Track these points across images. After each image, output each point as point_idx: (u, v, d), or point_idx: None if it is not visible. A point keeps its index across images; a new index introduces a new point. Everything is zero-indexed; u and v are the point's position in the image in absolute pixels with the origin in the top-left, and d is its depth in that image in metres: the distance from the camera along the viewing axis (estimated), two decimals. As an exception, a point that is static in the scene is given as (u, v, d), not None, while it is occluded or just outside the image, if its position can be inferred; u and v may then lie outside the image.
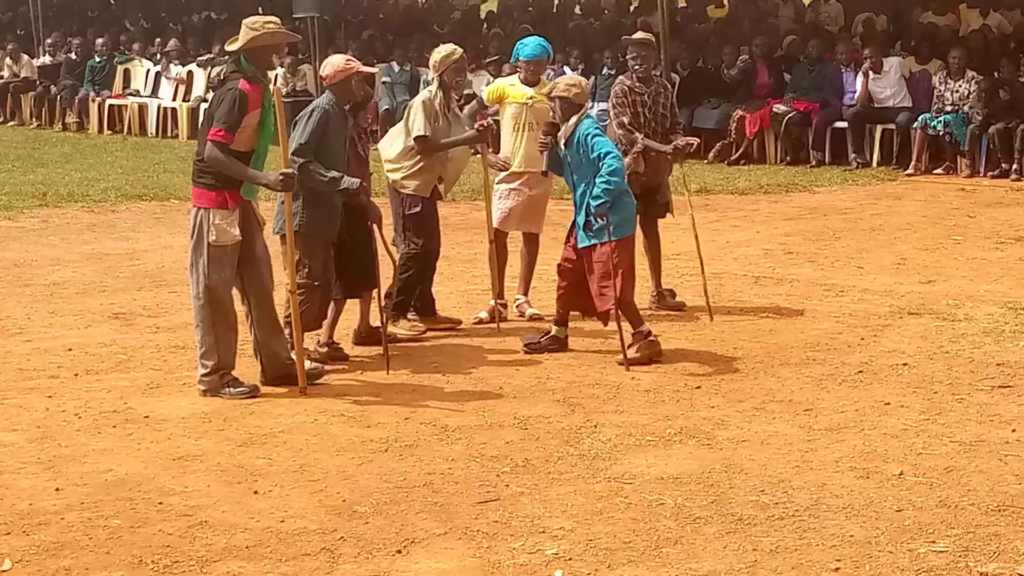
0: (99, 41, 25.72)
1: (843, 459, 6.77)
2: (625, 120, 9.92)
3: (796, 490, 6.32)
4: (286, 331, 8.35)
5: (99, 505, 6.23)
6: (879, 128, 18.17)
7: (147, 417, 7.61)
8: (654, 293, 10.21)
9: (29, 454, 6.98)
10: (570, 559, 5.58)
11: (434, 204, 9.45)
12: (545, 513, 6.09)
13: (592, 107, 11.69)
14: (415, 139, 9.24)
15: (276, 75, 8.66)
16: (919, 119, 17.47)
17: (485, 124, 9.45)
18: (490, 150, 10.22)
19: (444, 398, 7.97)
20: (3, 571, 5.58)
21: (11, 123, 25.80)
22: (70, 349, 9.12)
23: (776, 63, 19.75)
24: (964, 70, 17.40)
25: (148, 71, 24.67)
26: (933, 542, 5.70)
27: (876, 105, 18.17)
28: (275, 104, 7.86)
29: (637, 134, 9.86)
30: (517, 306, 10.05)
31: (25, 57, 26.35)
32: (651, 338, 8.75)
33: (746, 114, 18.83)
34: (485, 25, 25.46)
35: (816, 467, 6.67)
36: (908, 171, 17.41)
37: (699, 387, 8.15)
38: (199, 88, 23.53)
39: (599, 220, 8.58)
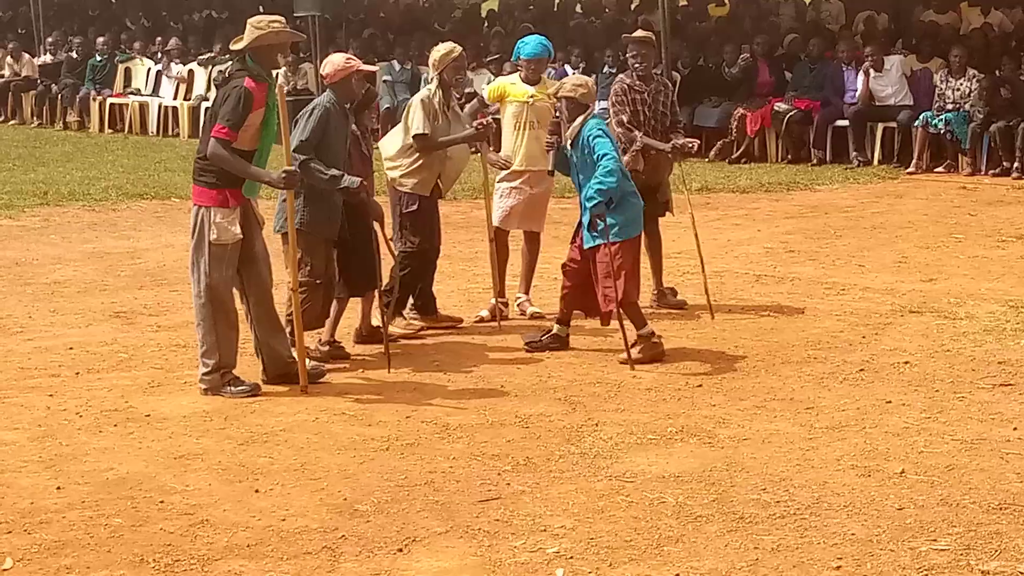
0: (100, 40, 25.72)
1: (844, 457, 6.77)
2: (624, 118, 9.92)
3: (797, 488, 6.32)
4: (287, 329, 8.36)
5: (100, 504, 6.23)
6: (880, 126, 18.16)
7: (148, 416, 7.62)
8: (655, 292, 10.21)
9: (30, 453, 6.99)
10: (571, 557, 5.58)
11: (434, 203, 9.45)
12: (546, 511, 6.09)
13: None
14: (414, 137, 9.24)
15: (277, 74, 8.63)
16: (920, 117, 17.47)
17: (484, 123, 9.45)
18: (491, 148, 10.22)
19: (445, 396, 7.97)
20: (4, 570, 5.58)
21: (12, 122, 25.79)
22: (71, 348, 9.12)
23: (777, 61, 19.75)
24: (965, 68, 17.39)
25: (149, 70, 24.67)
26: (934, 540, 5.70)
27: (877, 103, 18.16)
28: (278, 102, 7.86)
29: (636, 132, 9.86)
30: (518, 304, 10.05)
31: (26, 56, 26.36)
32: (654, 339, 8.74)
33: (747, 112, 18.82)
34: (486, 24, 25.46)
35: (817, 465, 6.67)
36: (909, 169, 17.40)
37: (700, 385, 8.15)
38: (200, 87, 23.55)
39: (599, 221, 8.58)
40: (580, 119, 8.74)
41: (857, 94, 18.20)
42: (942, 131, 17.30)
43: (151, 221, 14.55)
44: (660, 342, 8.76)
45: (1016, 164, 16.73)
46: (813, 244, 12.74)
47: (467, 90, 18.05)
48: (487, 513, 6.08)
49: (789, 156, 18.64)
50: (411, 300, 9.57)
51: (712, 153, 18.95)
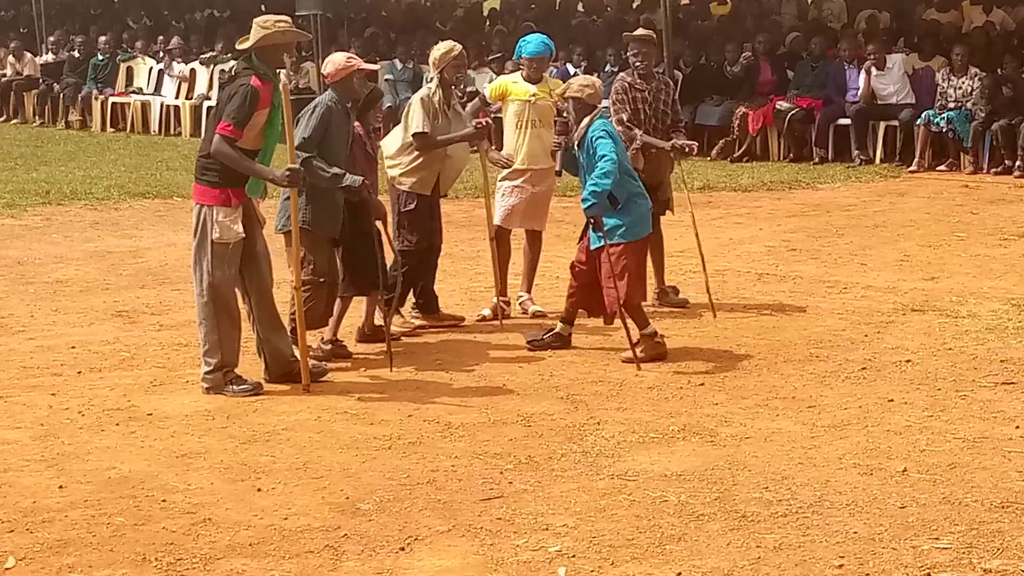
0: (102, 39, 25.73)
1: (846, 456, 6.77)
2: (624, 117, 9.91)
3: (799, 487, 6.32)
4: (290, 328, 8.37)
5: (102, 503, 6.23)
6: (882, 125, 18.16)
7: (150, 415, 7.62)
8: (657, 290, 10.21)
9: (32, 452, 6.99)
10: (573, 556, 5.58)
11: (434, 201, 9.44)
12: (548, 510, 6.09)
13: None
14: (413, 136, 9.25)
15: (279, 73, 8.61)
16: (922, 116, 17.46)
17: (483, 123, 9.44)
18: (492, 147, 10.23)
19: (447, 395, 7.97)
20: (7, 569, 5.58)
21: (14, 121, 25.79)
22: (73, 347, 9.12)
23: (779, 60, 19.74)
24: (967, 67, 17.39)
25: (151, 69, 24.68)
26: (937, 539, 5.70)
27: (879, 102, 18.15)
28: (283, 102, 7.86)
29: (636, 131, 9.85)
30: (520, 303, 10.05)
31: (28, 55, 26.36)
32: (657, 339, 8.74)
33: (749, 111, 18.82)
34: (488, 22, 25.46)
35: (819, 464, 6.67)
36: (911, 168, 17.40)
37: (702, 384, 8.15)
38: (202, 86, 23.55)
39: (596, 222, 8.58)
40: (587, 119, 8.74)
41: (859, 92, 18.19)
42: (944, 129, 17.30)
43: (153, 220, 14.56)
44: (663, 341, 8.77)
45: (1018, 162, 16.72)
46: (815, 243, 12.74)
47: (469, 89, 18.06)
48: (489, 512, 6.08)
49: (791, 155, 18.63)
50: (412, 299, 9.57)
51: (714, 152, 18.95)
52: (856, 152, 18.10)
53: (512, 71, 11.86)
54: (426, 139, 9.24)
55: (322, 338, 8.79)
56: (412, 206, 9.28)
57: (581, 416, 7.51)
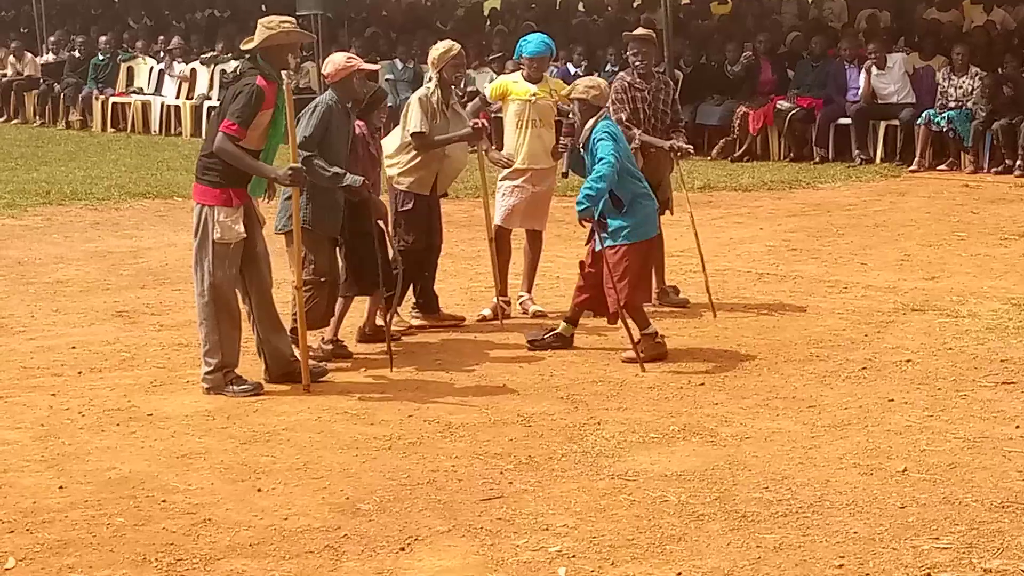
0: (102, 39, 25.72)
1: (847, 455, 6.76)
2: (623, 116, 9.90)
3: (800, 487, 6.32)
4: (290, 328, 8.37)
5: (102, 503, 6.23)
6: (883, 124, 18.16)
7: (150, 415, 7.62)
8: (657, 290, 10.20)
9: (33, 452, 6.99)
10: (573, 556, 5.58)
11: (433, 201, 9.44)
12: (548, 510, 6.09)
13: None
14: (411, 135, 9.25)
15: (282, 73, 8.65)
16: (923, 115, 17.46)
17: (479, 123, 9.42)
18: (493, 147, 10.23)
19: (448, 395, 7.97)
20: (7, 569, 5.58)
21: (14, 121, 25.78)
22: (74, 347, 9.12)
23: (779, 59, 19.74)
24: (968, 66, 17.39)
25: (151, 69, 24.68)
26: (937, 538, 5.70)
27: (880, 101, 18.15)
28: (285, 98, 7.86)
29: (635, 130, 9.85)
30: (521, 303, 10.05)
31: (28, 55, 26.36)
32: (657, 339, 8.74)
33: (749, 111, 18.82)
34: (488, 22, 25.46)
35: (820, 464, 6.66)
36: (912, 167, 17.40)
37: (703, 384, 8.15)
38: (202, 86, 23.56)
39: (599, 224, 8.59)
40: (592, 121, 8.73)
41: (859, 92, 18.19)
42: (944, 129, 17.30)
43: (153, 220, 14.56)
44: (663, 342, 8.77)
45: (1019, 162, 16.73)
46: (815, 242, 12.74)
47: (469, 88, 18.07)
48: (489, 512, 6.08)
49: (791, 154, 18.63)
50: (412, 299, 9.57)
51: (714, 151, 18.96)
52: (856, 152, 18.10)
53: (512, 71, 11.87)
54: (424, 139, 9.24)
55: (323, 338, 8.79)
56: (409, 206, 9.28)
57: (581, 416, 7.51)
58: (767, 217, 14.35)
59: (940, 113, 17.31)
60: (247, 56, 8.11)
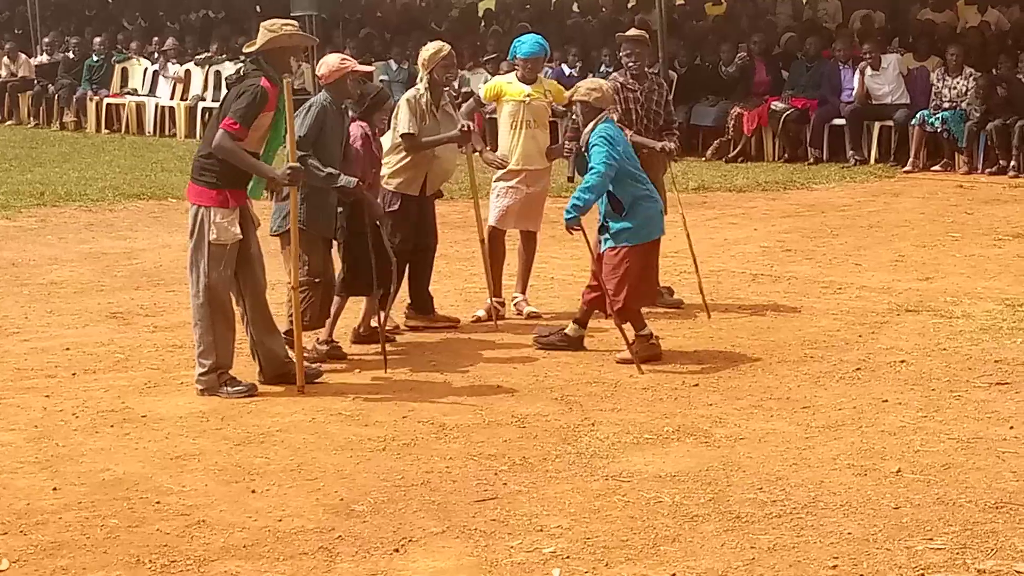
0: (97, 40, 25.70)
1: (841, 456, 6.77)
2: (615, 117, 9.89)
3: (794, 488, 6.32)
4: (285, 329, 8.38)
5: (96, 505, 6.23)
6: (877, 125, 18.17)
7: (144, 416, 7.61)
8: (652, 291, 10.20)
9: (26, 454, 6.98)
10: (568, 557, 5.58)
11: (424, 202, 9.42)
12: (543, 511, 6.09)
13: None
14: (400, 136, 9.26)
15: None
16: (917, 116, 17.48)
17: (466, 125, 9.40)
18: (487, 148, 10.23)
19: (442, 396, 7.96)
20: (1, 571, 5.57)
21: (9, 122, 25.76)
22: (68, 348, 9.12)
23: (774, 60, 19.75)
24: (962, 67, 17.40)
25: (146, 70, 24.65)
26: (931, 539, 5.70)
27: (874, 102, 18.17)
28: (285, 98, 7.86)
29: (627, 131, 9.84)
30: (515, 304, 10.05)
31: (23, 56, 26.34)
32: (652, 340, 8.74)
33: (744, 111, 18.83)
34: (483, 23, 25.46)
35: (814, 464, 6.67)
36: (906, 168, 17.41)
37: (697, 385, 8.15)
38: (197, 87, 23.54)
39: (572, 231, 8.61)
40: (592, 124, 8.73)
41: (854, 93, 18.20)
42: (939, 130, 17.32)
43: (148, 221, 14.54)
44: (657, 343, 8.76)
45: (1012, 163, 16.74)
46: (810, 243, 12.75)
47: (464, 89, 18.07)
48: (483, 513, 6.08)
49: (786, 155, 18.64)
50: (407, 300, 9.58)
51: (709, 152, 18.98)
52: (851, 152, 18.11)
53: (507, 72, 11.88)
54: (413, 140, 9.25)
55: (318, 338, 8.79)
56: (396, 206, 9.26)
57: (576, 417, 7.51)
58: (761, 218, 14.36)
59: (934, 114, 17.32)
60: (250, 58, 8.12)
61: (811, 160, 18.27)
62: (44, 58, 26.41)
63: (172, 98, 23.86)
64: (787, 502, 6.14)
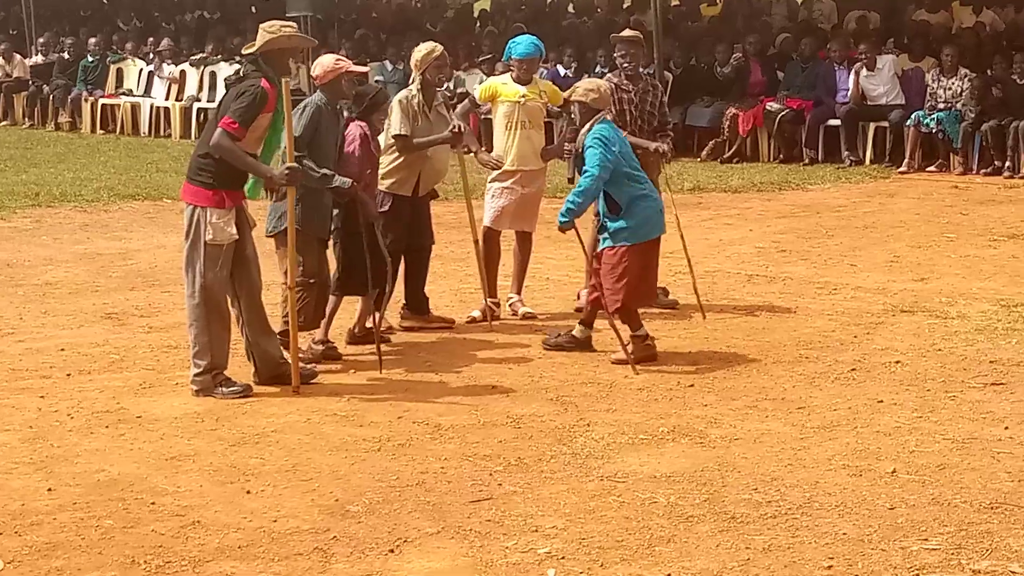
0: (92, 40, 25.66)
1: (836, 457, 6.77)
2: (608, 118, 9.88)
3: (789, 488, 6.33)
4: (280, 329, 8.38)
5: (91, 505, 6.22)
6: (872, 126, 18.18)
7: (139, 417, 7.61)
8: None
9: (21, 454, 6.97)
10: (563, 558, 5.58)
11: (417, 202, 9.41)
12: (538, 512, 6.09)
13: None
14: (392, 137, 9.26)
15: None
16: (912, 117, 17.49)
17: (458, 126, 9.39)
18: (483, 148, 10.23)
19: (437, 397, 7.96)
20: (-5, 572, 5.58)
21: (4, 123, 25.72)
22: (62, 349, 9.11)
23: (769, 61, 19.76)
24: (957, 68, 17.42)
25: (141, 70, 24.63)
26: (926, 540, 5.70)
27: (869, 103, 18.18)
28: (284, 99, 7.86)
29: (620, 132, 9.82)
30: (510, 305, 10.05)
31: (17, 57, 26.30)
32: (647, 341, 8.74)
33: (739, 112, 18.83)
34: (478, 23, 25.46)
35: (809, 465, 6.67)
36: (901, 169, 17.42)
37: (692, 385, 8.15)
38: (192, 87, 23.52)
39: (564, 233, 8.64)
40: (588, 125, 8.72)
41: (849, 93, 18.21)
42: (934, 130, 17.33)
43: (143, 222, 14.53)
44: (653, 344, 8.76)
45: (1008, 163, 16.76)
46: (805, 244, 12.75)
47: (459, 90, 18.05)
48: (478, 514, 6.08)
49: (781, 156, 18.65)
50: (401, 300, 9.58)
51: (704, 153, 18.98)
52: (846, 153, 18.12)
53: (502, 72, 11.86)
54: (405, 141, 9.26)
55: (314, 338, 8.78)
56: (386, 207, 9.25)
57: (571, 418, 7.51)
58: (756, 218, 14.36)
59: (929, 114, 17.34)
60: (249, 59, 8.12)
61: (806, 161, 18.28)
62: (39, 58, 26.38)
63: (167, 99, 23.83)
64: (782, 503, 6.14)
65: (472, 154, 10.09)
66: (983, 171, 16.99)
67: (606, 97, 8.91)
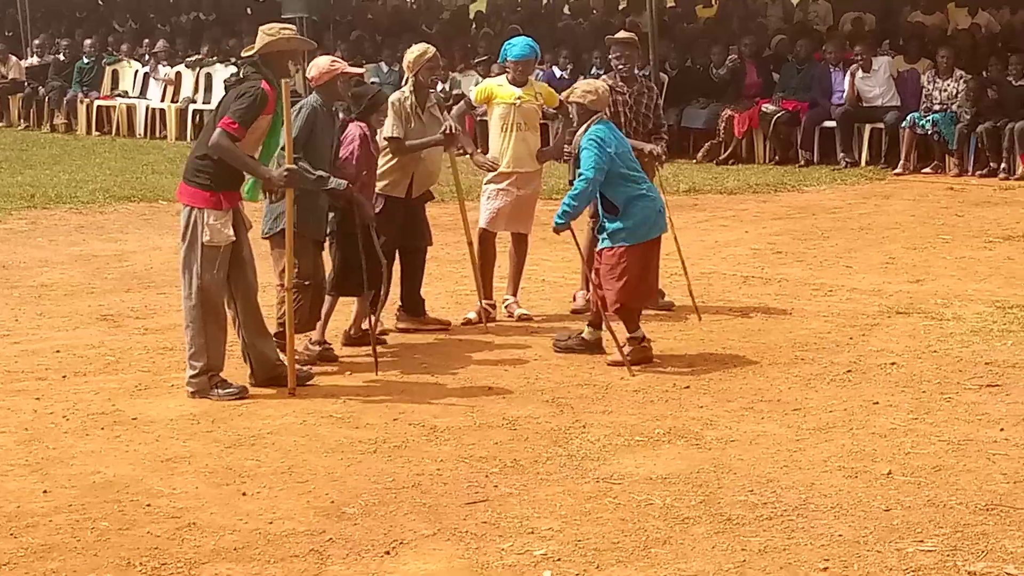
0: (87, 42, 25.65)
1: (831, 458, 6.77)
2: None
3: (785, 490, 6.33)
4: (275, 331, 8.37)
5: (87, 507, 6.22)
6: (868, 127, 18.20)
7: (135, 419, 7.60)
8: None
9: (17, 456, 6.97)
10: (559, 560, 5.58)
11: (411, 204, 9.41)
12: (534, 514, 6.09)
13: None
14: (385, 139, 9.26)
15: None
16: (907, 118, 17.51)
17: (451, 127, 9.39)
18: (478, 150, 10.23)
19: (433, 399, 7.96)
20: (-10, 574, 5.57)
21: (-1, 124, 25.77)
22: (58, 351, 9.10)
23: (765, 63, 19.77)
24: (952, 69, 17.43)
25: (136, 72, 24.63)
26: (921, 541, 5.71)
27: (865, 104, 18.20)
28: (284, 101, 7.86)
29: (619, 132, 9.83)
30: (506, 306, 10.04)
31: (13, 58, 26.29)
32: (643, 343, 8.74)
33: (735, 114, 18.84)
34: (474, 25, 25.46)
35: (804, 467, 6.67)
36: (896, 170, 17.43)
37: (688, 387, 8.15)
38: (187, 89, 23.51)
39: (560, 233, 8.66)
40: (584, 126, 8.72)
41: (844, 95, 18.22)
42: (929, 132, 17.34)
43: (138, 224, 14.52)
44: (648, 345, 8.76)
45: (1003, 165, 16.77)
46: (800, 245, 12.76)
47: (455, 92, 18.06)
48: (474, 515, 6.08)
49: (777, 157, 18.66)
50: (397, 301, 9.58)
51: (700, 154, 18.99)
52: (841, 155, 18.13)
53: (498, 74, 11.87)
54: (398, 143, 9.26)
55: (310, 339, 8.78)
56: (378, 209, 9.25)
57: (566, 419, 7.51)
58: (752, 220, 14.37)
59: (925, 116, 17.36)
60: (249, 62, 8.12)
61: (802, 162, 18.29)
62: (34, 60, 26.38)
63: (163, 100, 23.83)
64: (778, 504, 6.14)
65: (468, 156, 10.09)
66: (978, 173, 17.00)
67: (604, 98, 8.90)
